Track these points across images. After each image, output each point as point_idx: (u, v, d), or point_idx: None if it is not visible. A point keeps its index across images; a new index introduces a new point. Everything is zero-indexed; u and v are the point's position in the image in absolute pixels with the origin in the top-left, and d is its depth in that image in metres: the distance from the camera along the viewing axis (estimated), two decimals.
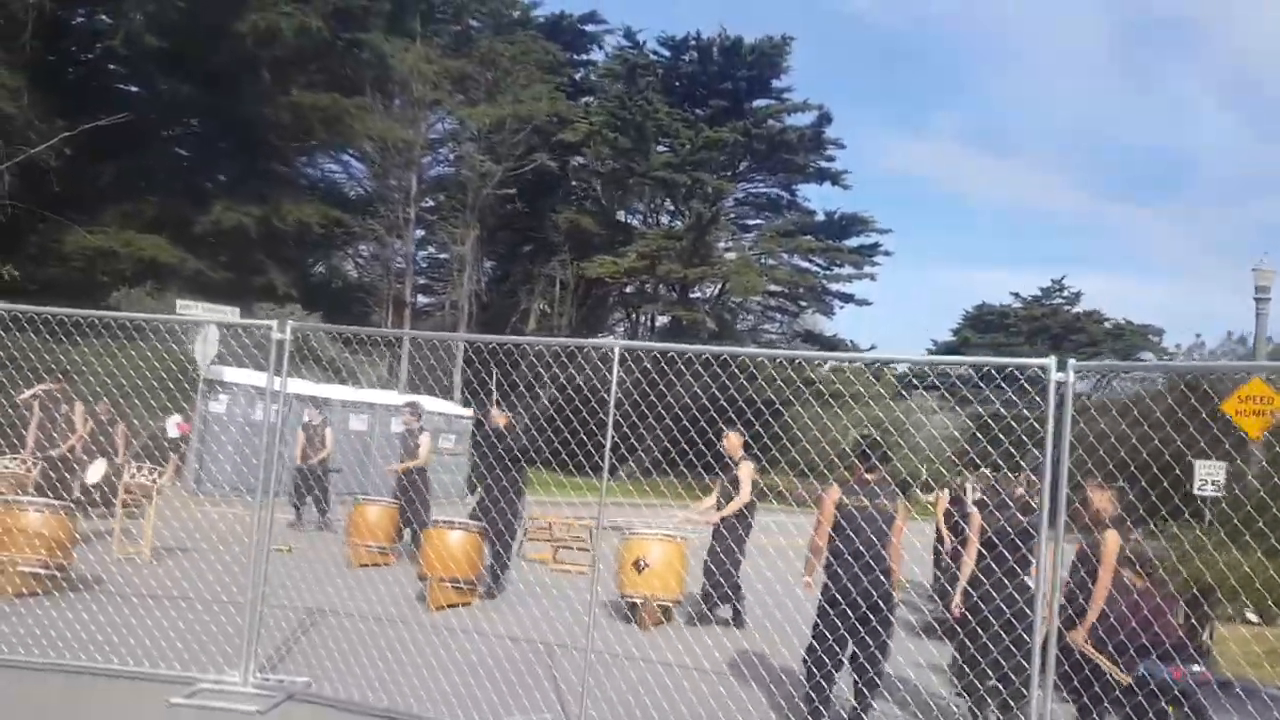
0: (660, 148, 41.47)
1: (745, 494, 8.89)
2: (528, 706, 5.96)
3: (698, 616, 8.92)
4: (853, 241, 43.25)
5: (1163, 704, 5.69)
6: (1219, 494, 15.79)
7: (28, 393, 14.01)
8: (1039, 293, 59.47)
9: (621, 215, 47.56)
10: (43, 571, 7.82)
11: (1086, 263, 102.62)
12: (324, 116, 33.02)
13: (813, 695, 5.39)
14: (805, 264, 43.08)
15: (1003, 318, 58.35)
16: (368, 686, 6.07)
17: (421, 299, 47.93)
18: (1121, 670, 5.80)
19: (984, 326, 57.79)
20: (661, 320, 48.44)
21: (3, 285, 22.70)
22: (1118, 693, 5.81)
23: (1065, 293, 59.30)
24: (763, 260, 41.44)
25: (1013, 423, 5.83)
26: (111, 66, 31.89)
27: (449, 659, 6.70)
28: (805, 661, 5.46)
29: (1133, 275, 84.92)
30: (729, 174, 42.99)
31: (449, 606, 8.69)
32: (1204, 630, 7.13)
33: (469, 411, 25.99)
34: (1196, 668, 6.25)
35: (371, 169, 43.10)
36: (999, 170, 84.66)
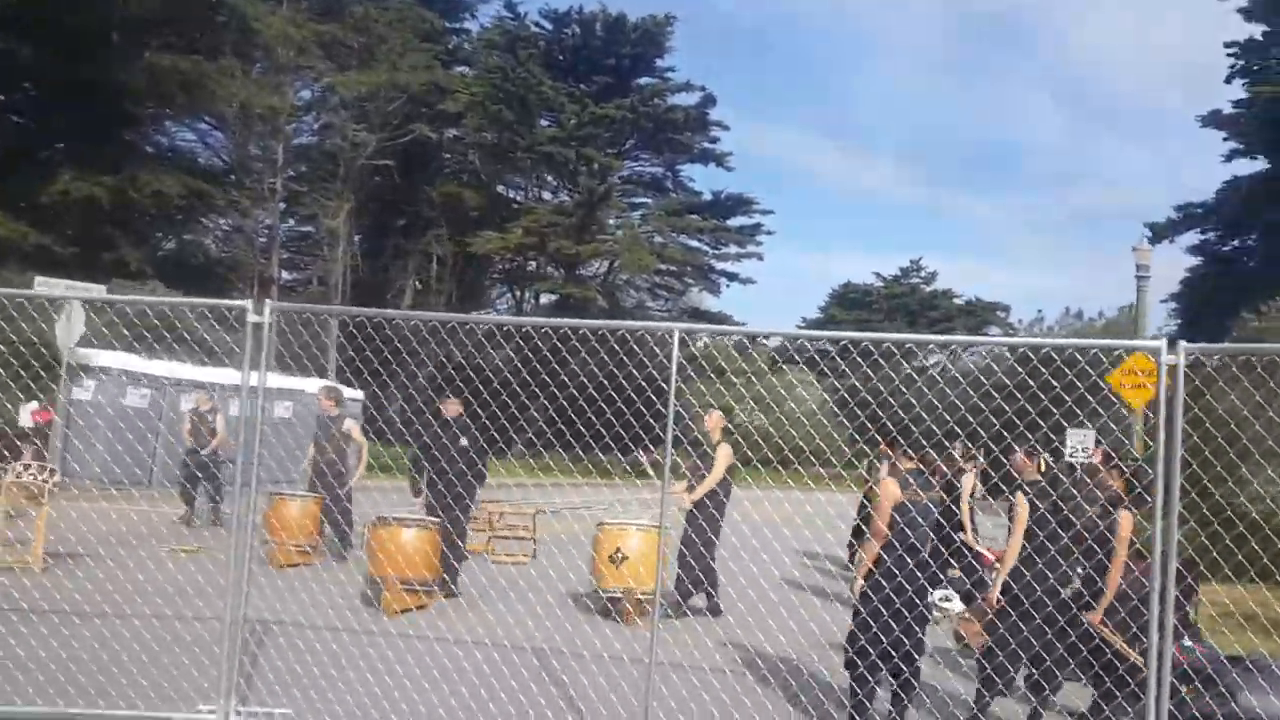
0: (544, 122, 40.54)
1: (717, 474, 8.49)
2: None
3: (672, 608, 8.54)
4: (736, 221, 43.53)
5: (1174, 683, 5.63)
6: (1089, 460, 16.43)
7: None
8: (898, 272, 62.24)
9: (501, 190, 46.43)
10: None
11: (931, 246, 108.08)
12: (184, 81, 30.69)
13: (857, 690, 5.07)
14: (693, 243, 43.08)
15: (866, 296, 60.90)
16: (356, 711, 5.39)
17: (285, 275, 45.64)
18: (1137, 652, 5.73)
19: (850, 304, 60.12)
20: (547, 298, 47.71)
21: None
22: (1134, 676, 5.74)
23: (922, 272, 62.29)
24: (652, 238, 41.17)
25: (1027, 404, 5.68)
26: None
27: (437, 671, 6.06)
28: (849, 652, 5.11)
29: (971, 257, 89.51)
30: (615, 151, 42.47)
31: (404, 611, 8.00)
32: (1189, 605, 7.22)
33: (358, 393, 24.77)
34: (1186, 643, 6.26)
35: (232, 138, 40.58)
36: (849, 160, 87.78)
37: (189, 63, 30.28)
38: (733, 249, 43.63)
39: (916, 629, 5.16)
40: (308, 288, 45.30)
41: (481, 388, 8.90)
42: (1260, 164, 36.91)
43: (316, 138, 41.75)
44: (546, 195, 46.43)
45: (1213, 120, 38.31)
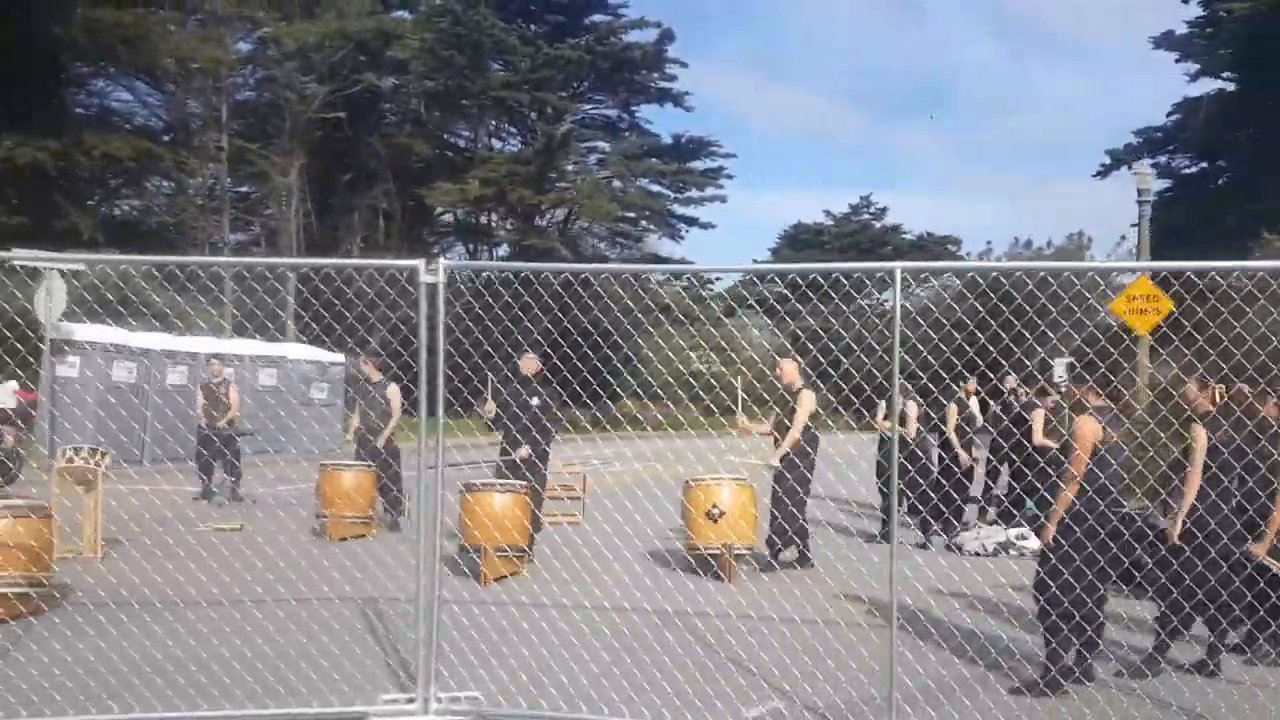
0: (495, 66, 39.46)
1: (799, 426, 8.30)
2: (752, 696, 5.26)
3: (761, 565, 8.47)
4: (697, 164, 43.05)
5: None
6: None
7: None
8: (848, 210, 62.51)
9: (451, 139, 45.29)
10: (26, 589, 6.40)
11: (875, 184, 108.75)
12: (125, 35, 29.16)
13: (1051, 638, 5.03)
14: (654, 187, 42.58)
15: (817, 235, 61.00)
16: (531, 689, 5.21)
17: (233, 236, 44.12)
18: None
19: (800, 245, 60.22)
20: (500, 250, 46.95)
21: None
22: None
23: (871, 209, 62.62)
24: (611, 184, 40.56)
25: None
26: None
27: (576, 639, 5.93)
28: (1046, 600, 5.02)
29: (919, 192, 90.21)
30: (569, 94, 41.58)
31: (499, 579, 7.81)
32: None
33: (339, 358, 24.19)
34: None
35: (170, 95, 38.83)
36: (783, 96, 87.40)
37: (130, 16, 28.74)
38: (694, 193, 43.24)
39: (1109, 573, 5.13)
40: (255, 248, 43.91)
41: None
42: (1219, 85, 37.49)
43: (257, 92, 40.22)
44: (496, 143, 45.51)
45: (1165, 42, 38.76)
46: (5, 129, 29.26)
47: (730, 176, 44.28)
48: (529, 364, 8.93)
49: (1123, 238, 49.22)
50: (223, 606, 6.76)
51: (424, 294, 4.63)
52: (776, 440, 8.44)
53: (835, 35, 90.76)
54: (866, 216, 62.33)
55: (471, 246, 49.56)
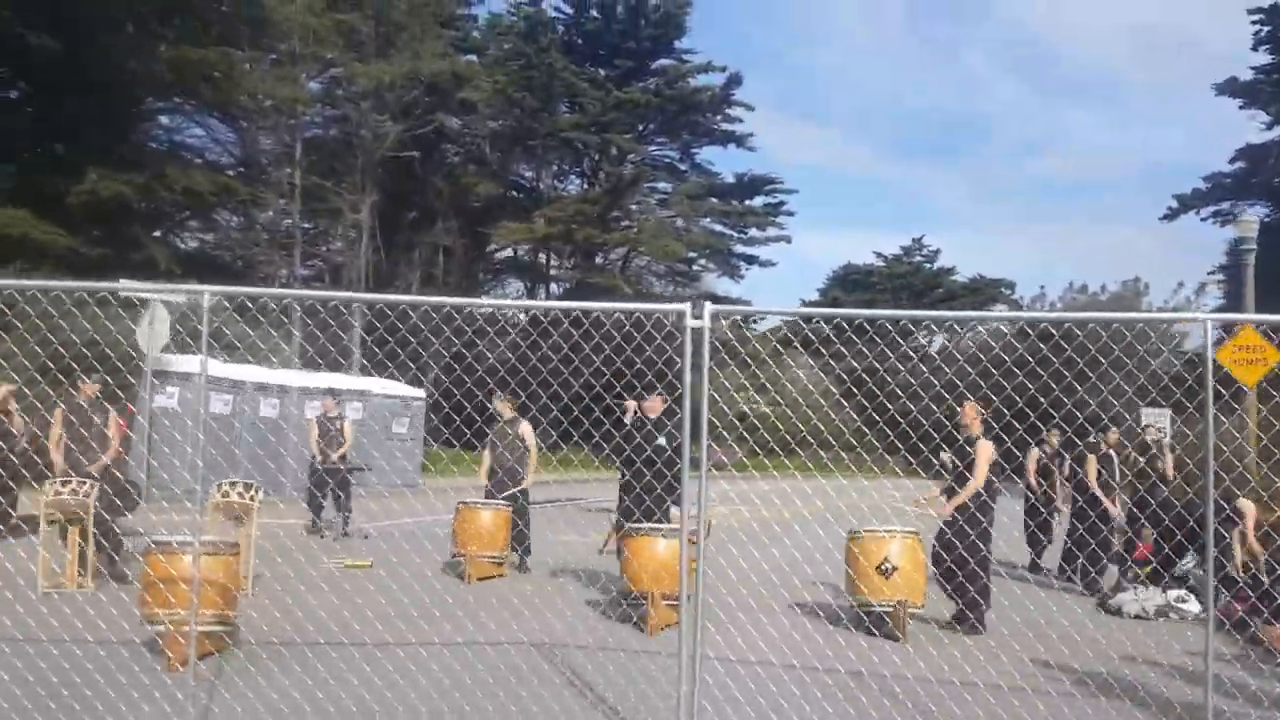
0: (562, 108, 39.98)
1: (980, 478, 7.95)
2: None
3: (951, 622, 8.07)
4: (758, 201, 43.20)
5: None
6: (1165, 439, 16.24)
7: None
8: (900, 251, 62.27)
9: (516, 178, 45.80)
10: (219, 628, 6.33)
11: (920, 224, 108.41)
12: (209, 73, 29.86)
13: None
14: (716, 226, 42.72)
15: (868, 276, 60.75)
16: None
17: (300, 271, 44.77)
18: None
19: (851, 286, 59.94)
20: (557, 288, 47.16)
21: None
22: None
23: (924, 250, 62.35)
24: (675, 223, 40.75)
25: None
26: None
27: (812, 708, 5.73)
28: None
29: (963, 232, 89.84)
30: (633, 135, 41.98)
31: (665, 627, 7.62)
32: None
33: (420, 393, 24.27)
34: None
35: (242, 131, 39.66)
36: (812, 135, 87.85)
37: (215, 54, 29.42)
38: (756, 231, 43.27)
39: None
40: (318, 283, 44.46)
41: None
42: None
43: (326, 130, 40.92)
44: (558, 183, 45.95)
45: (1229, 88, 38.40)
46: (89, 162, 29.96)
47: (791, 214, 44.39)
48: (654, 404, 8.82)
49: (1180, 284, 48.59)
50: (389, 648, 6.64)
51: (689, 338, 4.55)
52: (951, 489, 8.13)
53: (875, 78, 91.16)
54: (919, 259, 62.17)
55: (529, 284, 49.93)
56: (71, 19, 26.57)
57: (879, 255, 59.77)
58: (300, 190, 37.23)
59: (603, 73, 41.07)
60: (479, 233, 46.32)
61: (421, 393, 24.11)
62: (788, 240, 43.29)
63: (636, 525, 7.95)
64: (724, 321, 4.74)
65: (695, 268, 45.98)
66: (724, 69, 40.52)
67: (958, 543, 7.74)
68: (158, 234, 36.09)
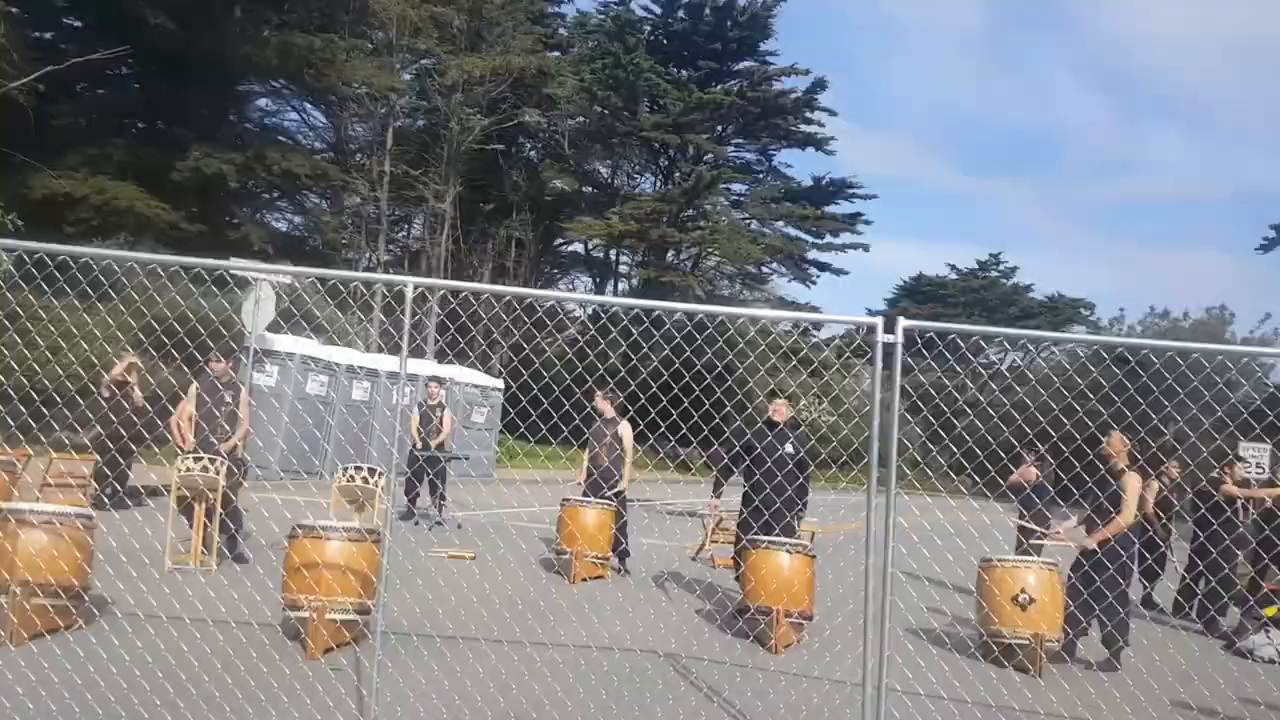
0: (644, 107, 40.15)
1: (1129, 513, 7.61)
2: None
3: (1061, 653, 7.87)
4: (836, 208, 42.96)
5: None
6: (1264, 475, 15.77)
7: (119, 366, 12.36)
8: (975, 265, 61.30)
9: (594, 175, 46.11)
10: (358, 617, 6.55)
11: (990, 239, 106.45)
12: (315, 59, 30.58)
13: None
14: (792, 231, 42.54)
15: (940, 288, 59.87)
16: None
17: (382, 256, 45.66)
18: None
19: (922, 297, 59.12)
20: (625, 284, 47.43)
21: None
22: None
23: (1001, 266, 61.30)
24: (751, 226, 40.71)
25: None
26: None
27: None
28: None
29: (1040, 249, 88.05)
30: (711, 136, 42.02)
31: (787, 646, 7.63)
32: None
33: (499, 383, 24.62)
34: None
35: (335, 117, 40.56)
36: (881, 144, 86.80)
37: (320, 40, 30.13)
38: (834, 238, 42.99)
39: None
40: (397, 269, 45.24)
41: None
42: None
43: (414, 120, 41.64)
44: (630, 180, 46.11)
45: None
46: (193, 140, 30.90)
47: (869, 221, 44.02)
48: (780, 409, 8.81)
49: (1267, 315, 47.14)
50: (519, 646, 6.83)
51: (880, 353, 4.64)
52: (1091, 521, 7.93)
53: (949, 89, 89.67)
54: (995, 274, 61.16)
55: (597, 279, 50.26)
56: (191, 3, 27.42)
57: (952, 267, 58.93)
58: (388, 178, 37.98)
59: (685, 73, 41.14)
60: (551, 226, 46.81)
61: (500, 383, 24.44)
62: (865, 248, 42.92)
63: (759, 538, 7.97)
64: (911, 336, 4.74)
65: (764, 270, 45.89)
66: (807, 72, 40.42)
67: (1096, 576, 7.63)
68: (250, 213, 37.25)
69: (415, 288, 5.01)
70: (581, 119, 41.84)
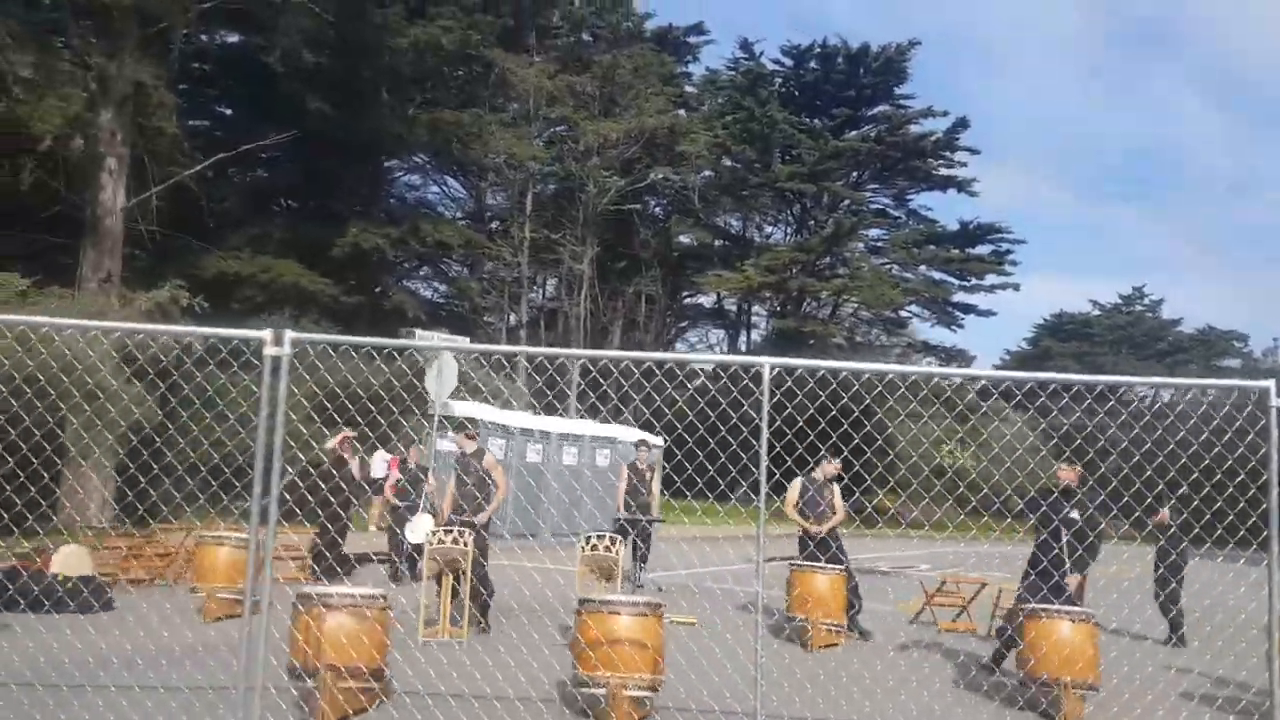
0: (779, 158, 40.22)
1: None
2: None
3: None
4: (982, 250, 41.95)
5: None
6: None
7: (334, 439, 12.76)
8: (1118, 300, 58.89)
9: (725, 227, 46.30)
10: (648, 694, 6.41)
11: (1135, 271, 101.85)
12: (462, 133, 31.80)
13: None
14: (935, 274, 41.71)
15: (1084, 326, 57.65)
16: None
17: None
18: None
19: (1065, 335, 57.01)
20: (756, 335, 47.18)
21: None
22: None
23: (1146, 300, 58.72)
24: (892, 271, 40.07)
25: None
26: (251, 87, 30.55)
27: None
28: None
29: (1187, 278, 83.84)
30: (847, 183, 41.76)
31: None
32: None
33: (659, 440, 24.55)
34: None
35: (473, 187, 41.97)
36: (1006, 178, 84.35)
37: (469, 115, 31.31)
38: (977, 280, 41.87)
39: None
40: (540, 330, 46.05)
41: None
42: None
43: (545, 185, 42.64)
44: (758, 231, 46.09)
45: None
46: (349, 216, 32.36)
47: (1016, 261, 42.80)
48: (1067, 473, 8.42)
49: None
50: None
51: (1274, 419, 4.31)
52: None
53: (1064, 117, 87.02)
54: (1139, 308, 58.64)
55: (731, 333, 50.13)
56: (342, 85, 28.86)
57: (1094, 304, 56.80)
58: (527, 242, 38.91)
59: (817, 122, 41.10)
60: (680, 280, 47.08)
61: (660, 440, 24.35)
62: (1016, 288, 41.65)
63: (1043, 607, 7.54)
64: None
65: (904, 314, 45.03)
66: (945, 113, 39.83)
67: None
68: (391, 281, 38.68)
69: (772, 368, 4.92)
70: (710, 173, 42.13)
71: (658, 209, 47.24)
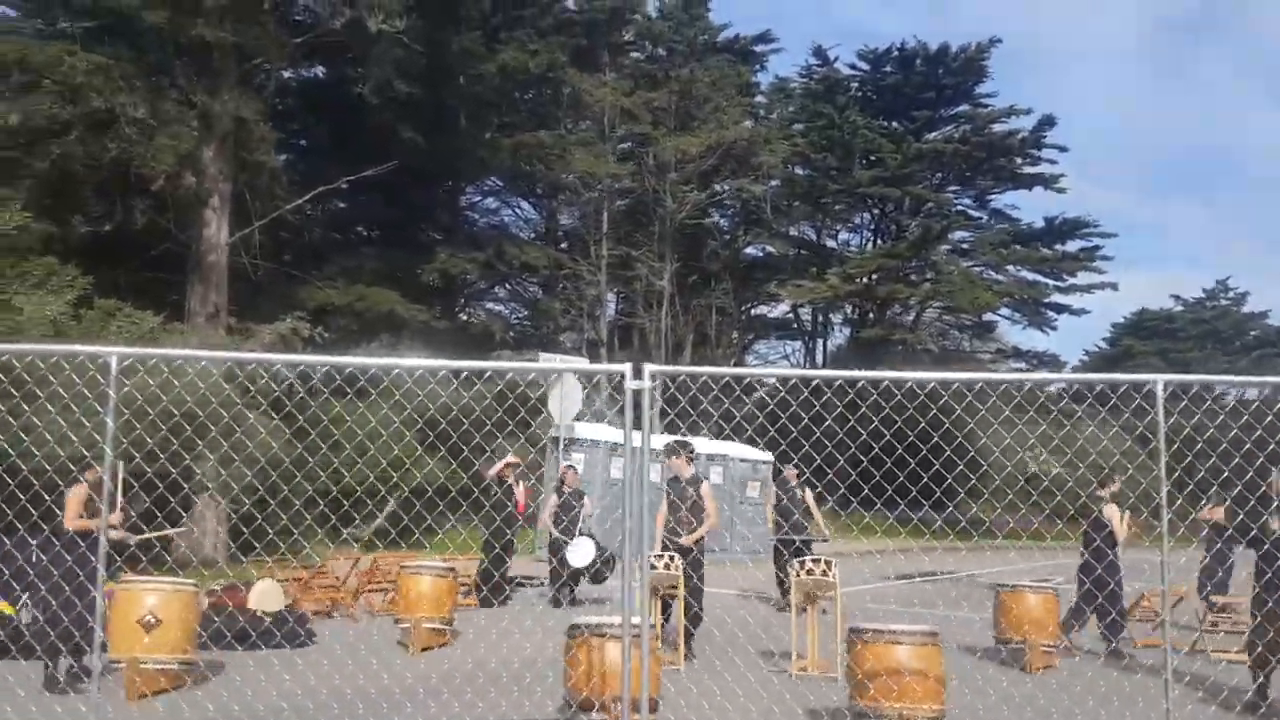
0: (859, 163, 39.71)
1: None
2: None
3: None
4: (1070, 247, 40.95)
5: None
6: None
7: (499, 464, 12.65)
8: (1202, 294, 57.14)
9: (800, 236, 45.78)
10: None
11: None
12: (544, 155, 31.82)
13: None
14: (1026, 274, 40.78)
15: (1167, 322, 56.02)
16: None
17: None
18: None
19: (1147, 333, 55.39)
20: (837, 343, 46.50)
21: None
22: None
23: (1230, 293, 56.91)
24: (983, 273, 39.26)
25: None
26: (335, 118, 30.82)
27: None
28: None
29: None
30: (930, 185, 41.08)
31: None
32: None
33: (768, 456, 24.18)
34: None
35: (553, 206, 41.92)
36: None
37: (552, 137, 31.33)
38: (1071, 279, 40.83)
39: None
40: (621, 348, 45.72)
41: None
42: None
43: (624, 201, 42.48)
44: (830, 237, 45.49)
45: None
46: (433, 242, 32.52)
47: (1108, 257, 41.63)
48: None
49: None
50: None
51: None
52: None
53: (1126, 112, 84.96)
54: (1224, 301, 56.84)
55: (808, 342, 49.45)
56: (431, 112, 28.98)
57: (1176, 299, 55.12)
58: (605, 260, 38.73)
59: (896, 125, 40.52)
60: (753, 291, 46.58)
61: (769, 456, 23.95)
62: (1114, 287, 40.49)
63: None
64: None
65: (992, 318, 44.05)
66: (1029, 111, 39.04)
67: None
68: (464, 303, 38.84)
69: (1166, 385, 4.57)
70: (777, 183, 41.67)
71: (722, 220, 46.86)
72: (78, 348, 5.64)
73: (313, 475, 14.96)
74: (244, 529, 16.38)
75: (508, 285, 41.36)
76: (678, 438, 9.33)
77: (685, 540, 8.82)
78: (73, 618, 6.58)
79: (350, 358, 5.09)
